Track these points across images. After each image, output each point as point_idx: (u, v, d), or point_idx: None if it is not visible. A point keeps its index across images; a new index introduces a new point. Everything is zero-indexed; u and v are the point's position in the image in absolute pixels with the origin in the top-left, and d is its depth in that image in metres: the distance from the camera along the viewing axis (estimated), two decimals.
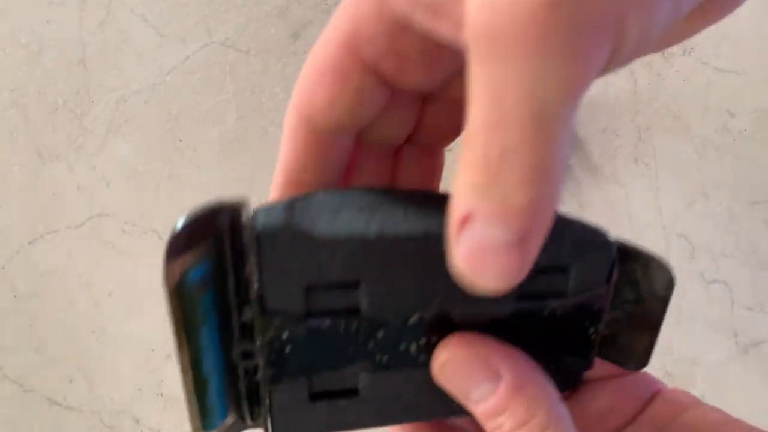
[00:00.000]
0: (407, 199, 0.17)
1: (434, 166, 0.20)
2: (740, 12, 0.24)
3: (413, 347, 0.19)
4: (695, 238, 0.44)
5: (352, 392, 0.19)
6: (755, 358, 0.44)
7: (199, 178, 0.46)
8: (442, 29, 0.14)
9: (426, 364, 0.19)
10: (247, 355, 0.17)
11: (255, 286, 0.16)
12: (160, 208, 0.46)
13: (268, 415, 0.18)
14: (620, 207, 0.44)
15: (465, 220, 0.13)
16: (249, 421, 0.19)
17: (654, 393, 0.23)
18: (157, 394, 0.43)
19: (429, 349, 0.19)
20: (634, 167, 0.45)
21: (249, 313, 0.16)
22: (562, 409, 0.17)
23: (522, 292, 0.19)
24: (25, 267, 0.45)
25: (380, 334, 0.18)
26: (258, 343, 0.16)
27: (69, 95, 0.47)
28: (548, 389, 0.17)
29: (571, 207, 0.45)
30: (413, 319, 0.18)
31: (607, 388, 0.24)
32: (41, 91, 0.47)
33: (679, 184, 0.45)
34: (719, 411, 0.20)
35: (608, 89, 0.45)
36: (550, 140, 0.12)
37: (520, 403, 0.17)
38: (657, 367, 0.43)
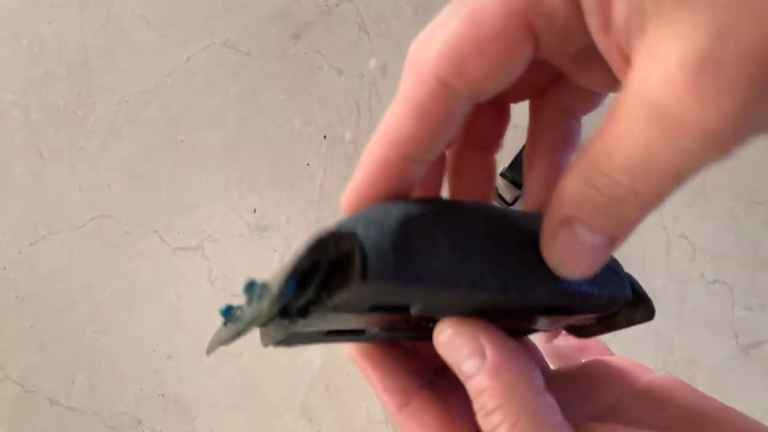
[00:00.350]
0: (496, 236, 0.18)
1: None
2: None
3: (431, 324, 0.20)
4: (696, 239, 0.44)
5: (359, 332, 0.20)
6: (755, 358, 0.44)
7: (200, 178, 0.46)
8: (605, 47, 0.15)
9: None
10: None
11: (331, 300, 0.16)
12: (162, 209, 0.46)
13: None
14: None
15: (566, 222, 0.15)
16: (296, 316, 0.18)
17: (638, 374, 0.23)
18: (159, 395, 0.43)
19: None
20: None
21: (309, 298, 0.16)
22: (542, 399, 0.17)
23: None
24: (27, 268, 0.45)
25: (409, 322, 0.19)
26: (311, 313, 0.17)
27: (70, 96, 0.47)
28: (529, 377, 0.18)
29: None
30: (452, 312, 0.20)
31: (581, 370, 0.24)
32: (43, 92, 0.47)
33: None
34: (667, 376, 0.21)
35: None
36: (671, 190, 0.14)
37: (498, 385, 0.18)
38: (658, 366, 0.43)
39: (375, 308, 0.17)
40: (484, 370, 0.18)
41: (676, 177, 0.14)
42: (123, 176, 0.46)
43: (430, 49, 0.15)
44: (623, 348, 0.44)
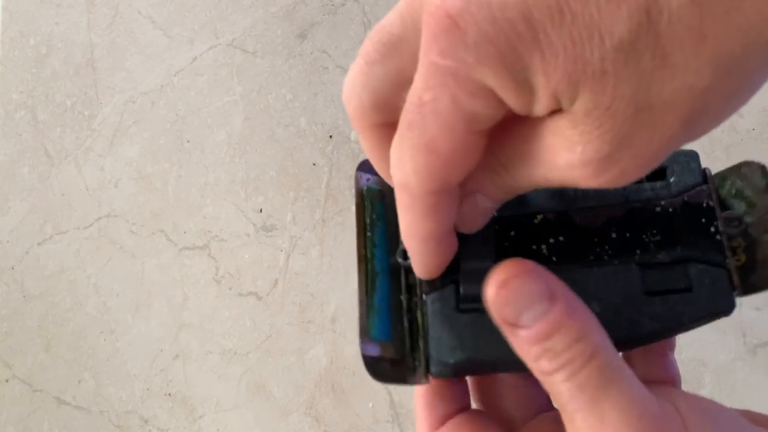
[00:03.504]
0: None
1: None
2: None
3: (543, 248, 0.21)
4: None
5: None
6: (763, 358, 0.43)
7: (206, 178, 0.46)
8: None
9: (560, 269, 0.20)
10: (407, 255, 0.21)
11: None
12: (168, 209, 0.46)
13: (424, 323, 0.20)
14: None
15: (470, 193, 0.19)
16: (408, 366, 0.21)
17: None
18: (166, 394, 0.43)
19: (558, 252, 0.20)
20: None
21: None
22: (611, 346, 0.18)
23: (629, 196, 0.21)
24: (34, 268, 0.45)
25: (513, 233, 0.20)
26: None
27: (77, 97, 0.47)
28: (598, 326, 0.18)
29: None
30: (538, 220, 0.21)
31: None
32: (49, 92, 0.47)
33: None
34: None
35: None
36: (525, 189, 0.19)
37: (575, 321, 0.18)
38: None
39: None
40: (558, 308, 0.18)
41: (535, 186, 0.18)
42: (129, 176, 0.46)
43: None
44: None
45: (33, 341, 0.45)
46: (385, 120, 0.19)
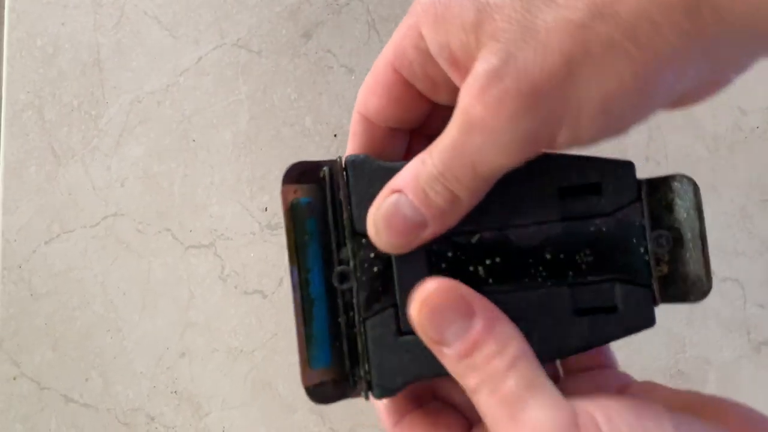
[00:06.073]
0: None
1: None
2: None
3: (480, 269, 0.21)
4: (707, 236, 0.44)
5: None
6: None
7: (212, 177, 0.46)
8: (454, 77, 0.19)
9: (495, 291, 0.21)
10: (344, 278, 0.21)
11: (345, 211, 0.21)
12: (174, 208, 0.46)
13: (365, 349, 0.21)
14: None
15: (394, 191, 0.20)
16: (349, 383, 0.21)
17: (625, 384, 0.24)
18: (172, 392, 0.44)
19: (494, 273, 0.21)
20: (646, 165, 0.45)
21: (343, 237, 0.21)
22: (531, 355, 0.18)
23: (565, 212, 0.21)
24: (41, 266, 0.46)
25: (450, 254, 0.21)
26: (351, 264, 0.20)
27: (84, 97, 0.47)
28: (518, 335, 0.19)
29: None
30: (475, 239, 0.21)
31: (583, 378, 0.25)
32: (56, 92, 0.48)
33: None
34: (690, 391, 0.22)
35: None
36: (472, 185, 0.19)
37: (495, 336, 0.18)
38: (669, 365, 0.43)
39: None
40: (476, 326, 0.18)
41: (472, 172, 0.18)
42: (136, 175, 0.47)
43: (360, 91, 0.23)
44: (635, 347, 0.44)
45: (40, 340, 0.45)
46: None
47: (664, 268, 0.22)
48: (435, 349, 0.20)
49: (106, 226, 0.46)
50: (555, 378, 0.25)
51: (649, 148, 0.45)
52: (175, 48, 0.48)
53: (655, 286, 0.22)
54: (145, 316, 0.45)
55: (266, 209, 0.46)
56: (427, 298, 0.19)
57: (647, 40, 0.16)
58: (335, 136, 0.46)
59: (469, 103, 0.17)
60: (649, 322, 0.22)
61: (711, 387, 0.43)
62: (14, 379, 0.45)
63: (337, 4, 0.47)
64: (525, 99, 0.17)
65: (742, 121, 0.46)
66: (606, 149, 0.42)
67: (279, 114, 0.47)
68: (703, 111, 0.46)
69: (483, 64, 0.17)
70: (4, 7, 0.48)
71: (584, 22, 0.16)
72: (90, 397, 0.45)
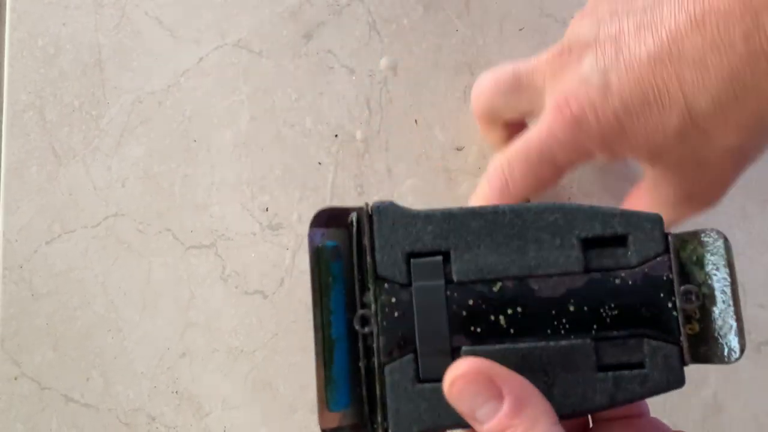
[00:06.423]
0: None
1: None
2: None
3: (501, 318, 0.21)
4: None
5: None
6: None
7: (213, 178, 0.46)
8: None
9: (517, 342, 0.21)
10: (365, 321, 0.21)
11: (369, 256, 0.21)
12: (175, 208, 0.46)
13: (382, 395, 0.21)
14: None
15: None
16: (367, 429, 0.21)
17: None
18: (173, 392, 0.44)
19: (515, 324, 0.21)
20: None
21: (366, 281, 0.21)
22: (557, 429, 0.18)
23: (589, 264, 0.21)
24: (42, 267, 0.46)
25: (471, 302, 0.21)
26: (373, 308, 0.21)
27: (85, 97, 0.47)
28: (547, 409, 0.19)
29: None
30: (497, 288, 0.21)
31: (614, 426, 0.25)
32: (57, 93, 0.48)
33: None
34: None
35: None
36: None
37: (522, 421, 0.18)
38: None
39: (414, 267, 0.22)
40: (505, 408, 0.19)
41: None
42: (136, 175, 0.47)
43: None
44: None
45: (41, 340, 0.45)
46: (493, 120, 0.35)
47: (695, 326, 0.22)
48: (468, 419, 0.20)
49: (107, 226, 0.46)
50: (584, 428, 0.25)
51: None
52: (176, 48, 0.48)
53: (685, 344, 0.22)
54: (145, 316, 0.45)
55: (267, 209, 0.46)
56: (457, 379, 0.20)
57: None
58: (336, 136, 0.46)
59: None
60: (678, 382, 0.22)
61: (711, 388, 0.43)
62: (15, 379, 0.45)
63: (338, 5, 0.47)
64: (715, 198, 0.30)
65: None
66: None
67: (280, 114, 0.47)
68: None
69: (678, 192, 0.28)
70: (5, 8, 0.48)
71: (738, 143, 0.26)
72: (91, 397, 0.45)
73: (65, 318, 0.45)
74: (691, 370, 0.44)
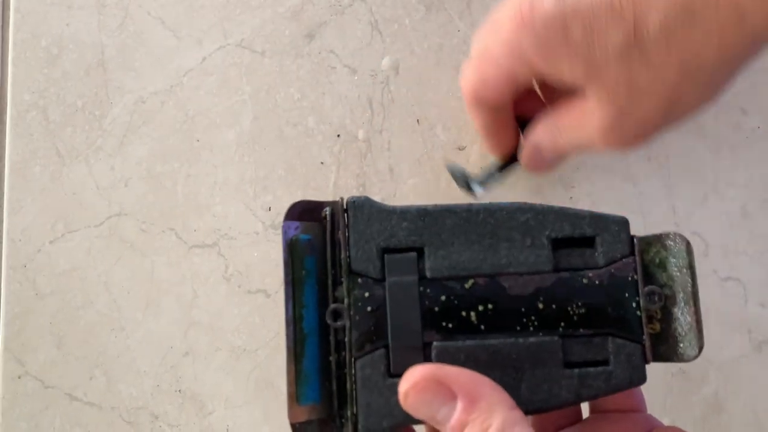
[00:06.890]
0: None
1: None
2: None
3: (473, 315, 0.21)
4: (709, 236, 0.44)
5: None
6: None
7: (215, 177, 0.47)
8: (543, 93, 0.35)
9: (487, 338, 0.21)
10: (337, 315, 0.21)
11: (344, 250, 0.21)
12: (178, 208, 0.46)
13: (353, 389, 0.21)
14: (633, 205, 0.44)
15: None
16: (336, 423, 0.21)
17: (651, 429, 0.24)
18: (176, 391, 0.44)
19: (486, 320, 0.21)
20: (648, 165, 0.45)
21: (339, 275, 0.22)
22: (516, 414, 0.19)
23: (558, 263, 0.22)
24: (45, 266, 0.46)
25: (443, 298, 0.21)
26: (346, 302, 0.21)
27: (88, 97, 0.48)
28: (502, 398, 0.19)
29: (584, 205, 0.45)
30: (468, 285, 0.21)
31: (609, 419, 0.25)
32: (61, 93, 0.48)
33: (692, 182, 0.45)
34: None
35: None
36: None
37: (479, 413, 0.19)
38: (670, 364, 0.43)
39: (387, 263, 0.22)
40: (459, 408, 0.19)
41: (576, 148, 0.32)
42: (139, 175, 0.47)
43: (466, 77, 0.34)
44: None
45: (45, 338, 0.45)
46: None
47: (656, 326, 0.23)
48: (435, 426, 0.21)
49: (110, 225, 0.46)
50: (577, 419, 0.25)
51: (650, 148, 0.45)
52: (179, 49, 0.48)
53: (647, 343, 0.22)
54: (148, 316, 0.46)
55: (270, 209, 0.46)
56: (409, 390, 0.21)
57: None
58: (338, 136, 0.46)
59: (592, 139, 0.28)
60: (639, 379, 0.22)
61: (712, 386, 0.44)
62: (19, 377, 0.45)
63: (340, 5, 0.47)
64: (637, 138, 0.28)
65: (743, 121, 0.46)
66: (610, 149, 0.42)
67: (282, 114, 0.47)
68: (704, 111, 0.46)
69: (604, 119, 0.27)
70: (8, 8, 0.48)
71: (677, 80, 0.25)
72: (94, 396, 0.45)
73: (69, 317, 0.46)
74: (692, 369, 0.44)
